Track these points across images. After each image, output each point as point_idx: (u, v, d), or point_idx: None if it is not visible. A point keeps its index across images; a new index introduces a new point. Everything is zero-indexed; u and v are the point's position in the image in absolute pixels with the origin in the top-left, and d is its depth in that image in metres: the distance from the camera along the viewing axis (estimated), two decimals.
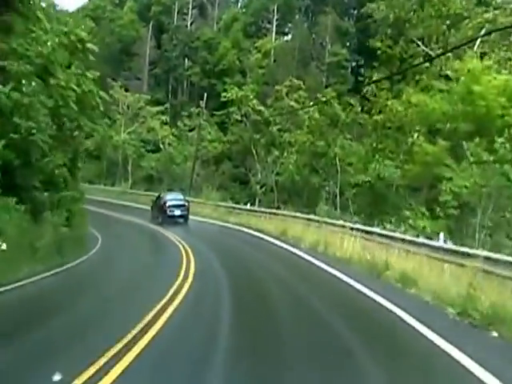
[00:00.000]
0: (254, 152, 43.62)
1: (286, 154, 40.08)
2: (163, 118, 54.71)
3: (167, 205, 27.83)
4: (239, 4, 78.55)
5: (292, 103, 44.17)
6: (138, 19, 72.60)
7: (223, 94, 45.16)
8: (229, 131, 48.15)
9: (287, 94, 44.71)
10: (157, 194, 32.57)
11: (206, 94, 47.13)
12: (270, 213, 28.52)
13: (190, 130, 48.01)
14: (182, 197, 30.42)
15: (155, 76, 72.03)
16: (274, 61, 57.21)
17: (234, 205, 34.54)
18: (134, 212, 36.04)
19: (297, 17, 68.02)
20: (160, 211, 28.17)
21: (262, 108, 45.01)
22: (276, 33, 63.35)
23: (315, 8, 64.09)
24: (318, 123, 36.98)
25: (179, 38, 70.31)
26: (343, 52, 56.45)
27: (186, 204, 29.06)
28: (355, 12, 61.54)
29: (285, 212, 27.34)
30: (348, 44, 59.69)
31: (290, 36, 66.78)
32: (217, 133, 51.32)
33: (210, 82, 60.32)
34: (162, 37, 72.12)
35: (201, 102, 47.65)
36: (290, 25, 67.68)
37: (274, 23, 63.00)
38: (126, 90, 55.69)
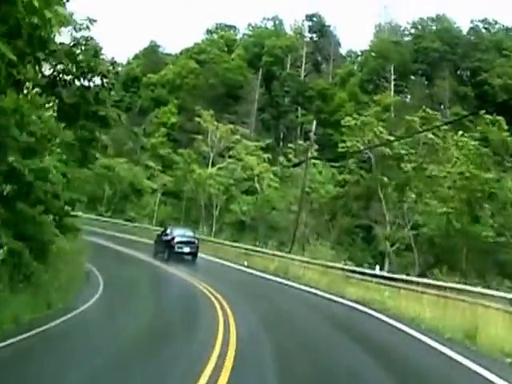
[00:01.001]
0: (382, 196, 31.75)
1: (427, 196, 27.73)
2: (264, 156, 45.06)
3: (175, 241, 26.13)
4: (355, 63, 78.16)
5: (430, 136, 32.88)
6: (246, 66, 71.95)
7: (341, 145, 35.07)
8: (345, 169, 36.93)
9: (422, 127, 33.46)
10: (163, 229, 29.86)
11: (314, 122, 36.31)
12: (421, 284, 16.14)
13: (295, 166, 37.33)
14: (191, 233, 28.57)
15: (263, 121, 68.34)
16: (395, 116, 52.76)
17: (354, 267, 22.42)
18: (230, 276, 24.47)
19: (413, 77, 69.84)
20: (166, 247, 26.29)
21: (390, 137, 33.55)
22: (394, 91, 63.58)
23: (432, 72, 66.34)
24: (475, 153, 24.86)
25: (291, 86, 68.68)
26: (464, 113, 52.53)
27: (196, 241, 27.26)
28: (471, 79, 65.96)
29: (458, 286, 14.65)
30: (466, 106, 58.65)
31: (407, 96, 68.60)
32: (329, 172, 40.27)
33: (326, 132, 54.63)
34: (273, 83, 70.46)
35: (310, 132, 36.88)
36: (406, 84, 68.42)
37: (392, 82, 63.10)
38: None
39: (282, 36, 76.24)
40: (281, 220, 37.57)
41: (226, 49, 76.86)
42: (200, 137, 47.83)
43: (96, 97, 18.41)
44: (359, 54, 77.48)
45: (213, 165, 47.12)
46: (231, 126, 50.37)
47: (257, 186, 42.06)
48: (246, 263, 26.76)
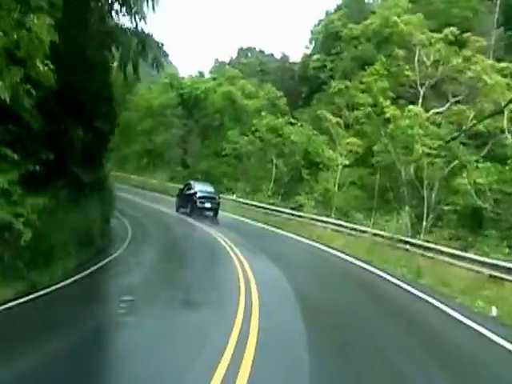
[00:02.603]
0: None
1: None
2: None
3: (198, 195, 26.07)
4: None
5: None
6: None
7: None
8: None
9: None
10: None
11: None
12: None
13: None
14: (212, 189, 27.92)
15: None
16: None
17: None
18: None
19: None
20: (189, 201, 26.25)
21: None
22: None
23: None
24: None
25: None
26: None
27: (217, 198, 27.03)
28: None
29: None
30: None
31: None
32: None
33: None
34: None
35: None
36: None
37: None
38: None
39: None
40: None
41: None
42: (400, 51, 28.42)
43: None
44: None
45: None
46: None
47: None
48: None
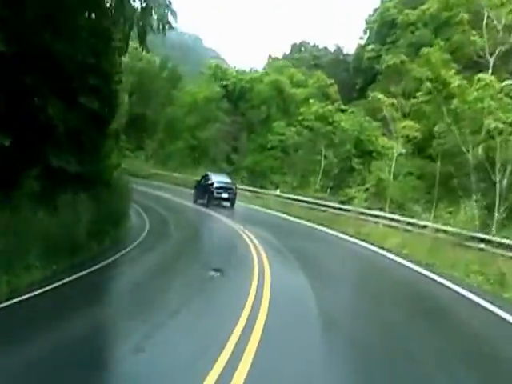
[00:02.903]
0: None
1: None
2: None
3: (214, 186, 26.11)
4: None
5: None
6: None
7: None
8: None
9: None
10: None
11: None
12: None
13: None
14: (229, 180, 28.24)
15: None
16: None
17: None
18: None
19: None
20: (206, 192, 26.33)
21: None
22: None
23: None
24: None
25: None
26: None
27: (234, 188, 27.06)
28: None
29: None
30: None
31: None
32: None
33: None
34: None
35: None
36: None
37: None
38: None
39: None
40: None
41: None
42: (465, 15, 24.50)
43: None
44: None
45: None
46: None
47: None
48: None
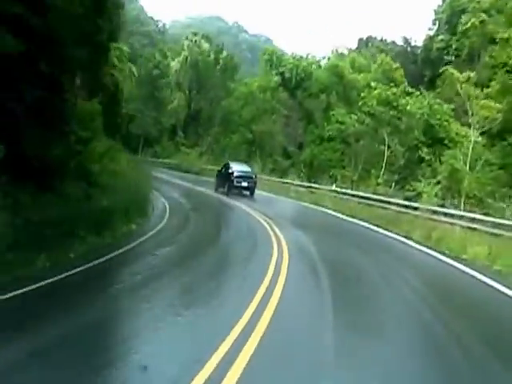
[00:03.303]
0: None
1: None
2: None
3: (234, 175, 26.32)
4: None
5: None
6: None
7: None
8: None
9: None
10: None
11: None
12: None
13: None
14: (249, 169, 28.70)
15: None
16: None
17: None
18: None
19: None
20: (226, 181, 26.54)
21: None
22: None
23: None
24: None
25: None
26: None
27: (254, 177, 27.23)
28: None
29: None
30: None
31: None
32: None
33: None
34: None
35: None
36: None
37: None
38: None
39: None
40: None
41: None
42: None
43: None
44: None
45: None
46: None
47: None
48: None
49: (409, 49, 62.89)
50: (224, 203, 22.53)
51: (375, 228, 17.41)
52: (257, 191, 28.49)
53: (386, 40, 71.64)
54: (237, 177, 26.06)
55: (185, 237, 12.81)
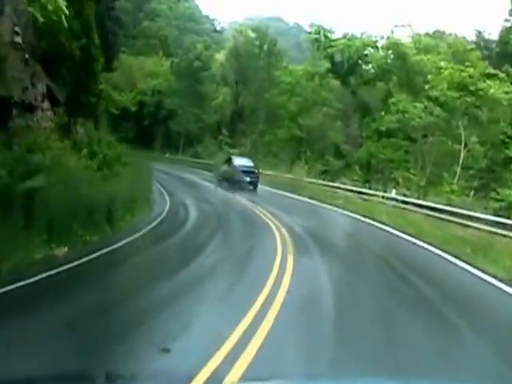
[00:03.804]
0: None
1: None
2: None
3: (237, 170, 26.39)
4: None
5: None
6: None
7: None
8: None
9: None
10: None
11: None
12: None
13: None
14: (252, 164, 28.34)
15: None
16: None
17: None
18: None
19: None
20: (228, 175, 26.83)
21: None
22: None
23: None
24: None
25: None
26: None
27: (256, 171, 27.41)
28: None
29: None
30: None
31: None
32: None
33: None
34: None
35: None
36: None
37: None
38: None
39: None
40: None
41: None
42: None
43: None
44: None
45: None
46: None
47: None
48: None
49: (482, 43, 55.80)
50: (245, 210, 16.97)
51: (455, 260, 11.25)
52: (294, 197, 22.99)
53: (455, 34, 64.25)
54: (239, 171, 25.98)
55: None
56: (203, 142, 52.44)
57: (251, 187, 26.14)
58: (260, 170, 27.98)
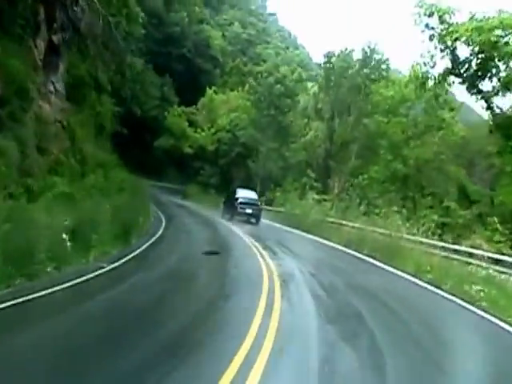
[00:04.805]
0: None
1: None
2: None
3: (238, 201, 26.74)
4: None
5: None
6: None
7: None
8: None
9: None
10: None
11: None
12: None
13: None
14: (255, 196, 29.04)
15: None
16: None
17: None
18: None
19: None
20: (231, 207, 27.14)
21: None
22: None
23: None
24: None
25: None
26: None
27: (259, 204, 28.05)
28: None
29: None
30: None
31: None
32: None
33: None
34: None
35: None
36: None
37: None
38: None
39: None
40: None
41: None
42: None
43: None
44: None
45: None
46: None
47: None
48: None
49: None
50: None
51: None
52: (388, 270, 11.86)
53: None
54: (241, 203, 26.29)
55: None
56: (284, 186, 41.17)
57: (254, 220, 26.55)
58: (344, 222, 23.00)
